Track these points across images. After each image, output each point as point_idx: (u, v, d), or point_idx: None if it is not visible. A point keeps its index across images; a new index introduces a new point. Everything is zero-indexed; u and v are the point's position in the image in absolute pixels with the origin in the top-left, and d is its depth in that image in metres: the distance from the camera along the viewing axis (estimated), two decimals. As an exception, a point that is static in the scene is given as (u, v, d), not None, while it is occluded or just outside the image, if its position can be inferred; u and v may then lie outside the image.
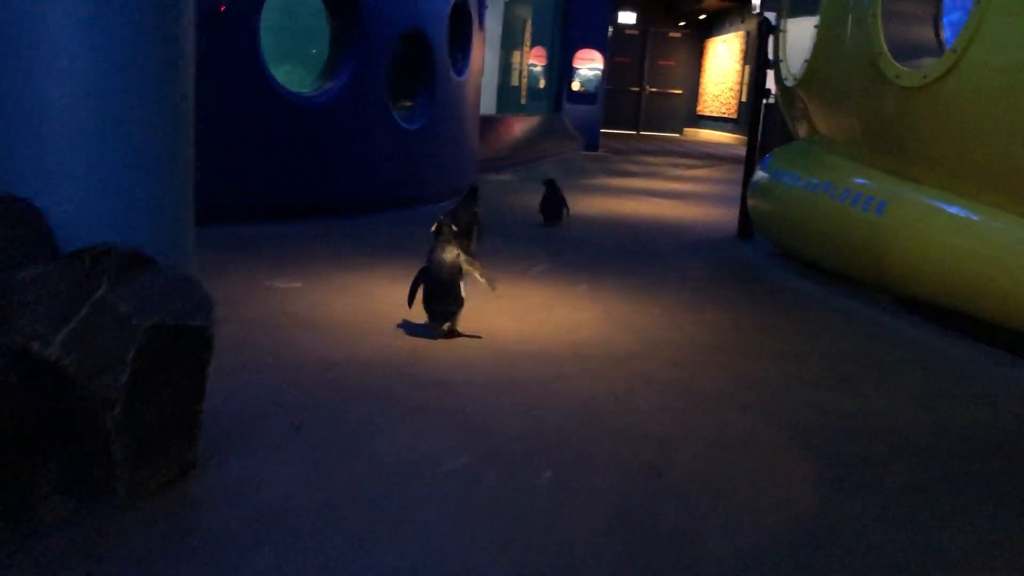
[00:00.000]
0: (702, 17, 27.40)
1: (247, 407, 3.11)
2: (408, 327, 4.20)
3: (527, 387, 3.53)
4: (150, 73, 2.51)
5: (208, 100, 6.19)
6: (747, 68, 23.29)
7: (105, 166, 2.44)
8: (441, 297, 4.09)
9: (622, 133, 26.27)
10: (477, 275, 4.11)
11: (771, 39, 7.54)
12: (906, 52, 5.22)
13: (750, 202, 7.43)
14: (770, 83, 8.00)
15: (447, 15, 8.39)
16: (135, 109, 2.48)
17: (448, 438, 2.97)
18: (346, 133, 7.28)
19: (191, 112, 2.72)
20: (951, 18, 5.94)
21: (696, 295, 5.52)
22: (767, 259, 6.92)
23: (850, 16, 5.76)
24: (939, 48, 5.43)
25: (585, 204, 9.09)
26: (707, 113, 28.00)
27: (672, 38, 28.68)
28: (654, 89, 28.62)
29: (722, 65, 26.88)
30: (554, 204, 7.78)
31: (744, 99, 23.54)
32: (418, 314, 4.19)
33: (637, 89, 28.41)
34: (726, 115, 26.26)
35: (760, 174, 7.29)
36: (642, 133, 27.79)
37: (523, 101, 20.13)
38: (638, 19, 27.78)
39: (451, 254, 4.06)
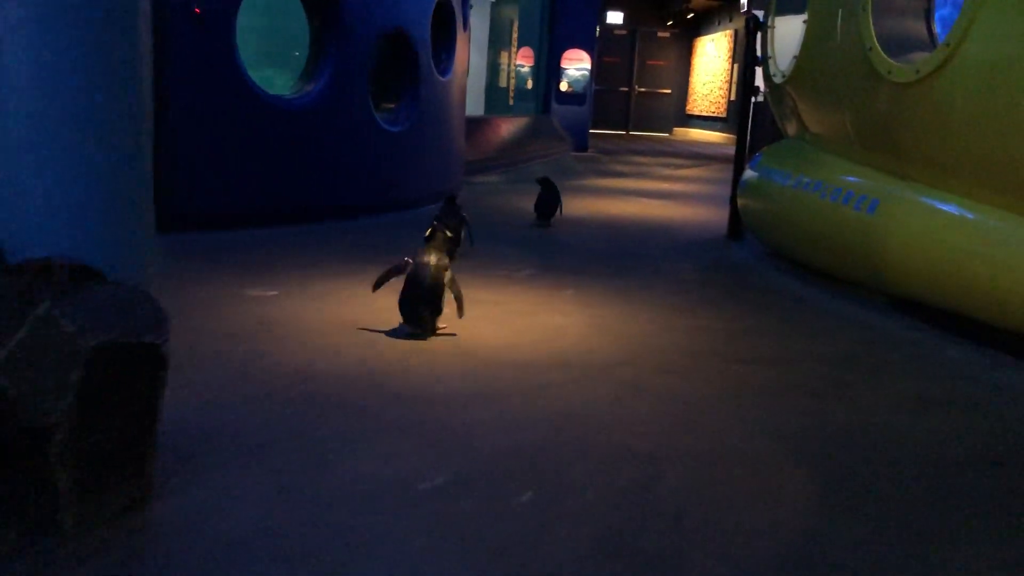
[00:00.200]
0: (690, 16, 27.34)
1: (213, 424, 2.96)
2: (385, 337, 4.05)
3: (509, 399, 3.39)
4: (99, 78, 2.34)
5: (184, 104, 6.21)
6: (736, 66, 23.21)
7: (50, 177, 2.27)
8: (421, 302, 3.99)
9: (611, 133, 26.18)
10: (452, 294, 4.03)
11: (759, 36, 7.42)
12: (898, 47, 5.11)
13: (740, 202, 7.30)
14: (759, 81, 7.89)
15: (430, 15, 8.24)
16: (82, 117, 2.31)
17: (424, 455, 2.82)
18: (327, 136, 7.11)
19: (148, 118, 2.56)
20: (942, 13, 5.82)
21: (686, 298, 5.38)
22: (758, 260, 6.80)
23: (840, 11, 5.64)
24: (931, 43, 5.32)
25: (574, 205, 8.95)
26: (696, 112, 27.93)
27: (661, 37, 28.63)
28: (643, 89, 28.57)
29: (711, 64, 26.81)
30: (549, 202, 7.70)
31: (733, 98, 23.46)
32: (395, 319, 4.06)
33: (626, 89, 28.36)
34: (715, 114, 26.18)
35: (750, 173, 7.16)
36: (631, 133, 27.73)
37: (511, 102, 20.04)
38: (626, 19, 27.73)
39: (442, 261, 4.02)
